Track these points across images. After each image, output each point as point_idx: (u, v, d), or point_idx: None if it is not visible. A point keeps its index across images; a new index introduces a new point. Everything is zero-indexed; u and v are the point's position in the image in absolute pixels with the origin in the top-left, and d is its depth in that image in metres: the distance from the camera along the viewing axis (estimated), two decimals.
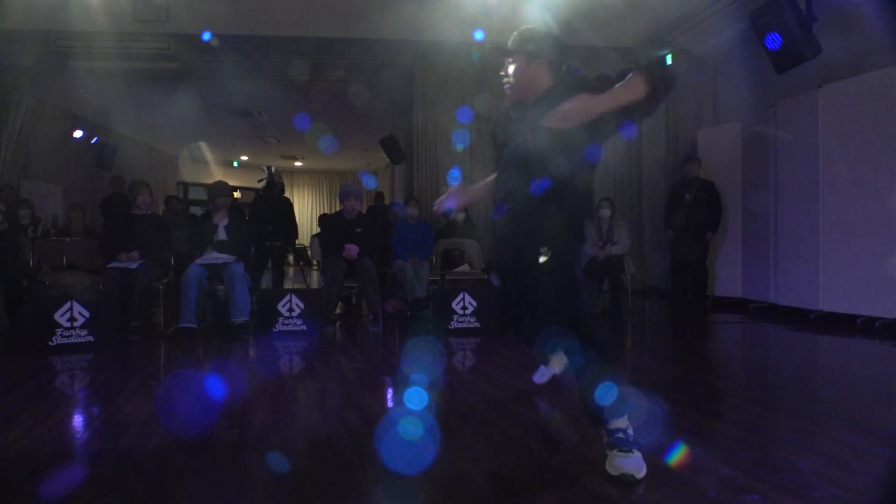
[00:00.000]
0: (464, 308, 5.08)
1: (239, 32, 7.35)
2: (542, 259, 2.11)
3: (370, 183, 7.17)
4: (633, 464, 1.87)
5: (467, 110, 7.18)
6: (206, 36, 7.06)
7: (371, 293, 5.43)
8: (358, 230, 5.60)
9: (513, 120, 2.28)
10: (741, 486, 1.78)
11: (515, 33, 2.27)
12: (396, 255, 6.13)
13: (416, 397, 2.79)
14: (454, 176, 7.67)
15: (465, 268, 6.42)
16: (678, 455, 2.03)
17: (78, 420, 2.70)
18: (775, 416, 2.68)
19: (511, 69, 2.23)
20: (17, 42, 7.13)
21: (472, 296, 5.09)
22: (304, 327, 4.98)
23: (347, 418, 2.58)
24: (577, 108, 1.94)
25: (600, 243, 6.25)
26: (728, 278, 6.81)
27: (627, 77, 1.97)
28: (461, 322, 5.05)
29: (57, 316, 4.32)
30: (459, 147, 7.75)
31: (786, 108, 5.86)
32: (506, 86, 2.28)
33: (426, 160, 8.13)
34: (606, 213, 6.31)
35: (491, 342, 4.62)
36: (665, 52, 2.04)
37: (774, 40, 4.76)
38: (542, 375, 3.02)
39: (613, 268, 6.14)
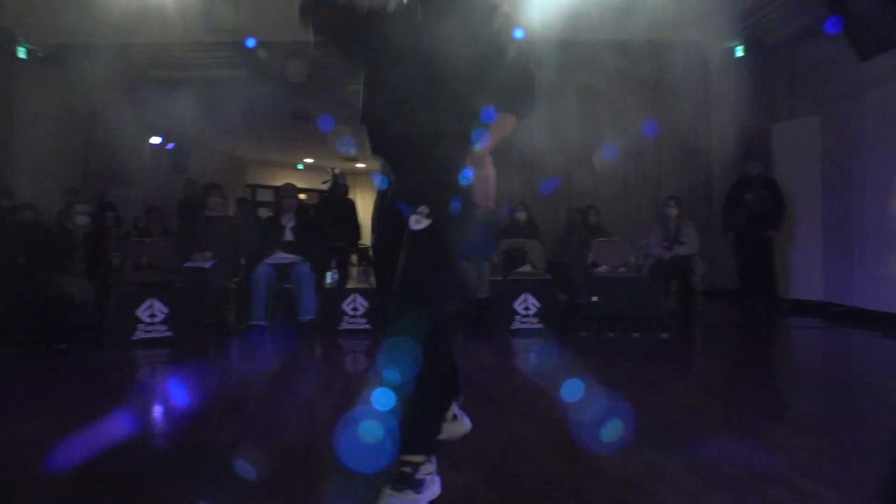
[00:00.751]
0: (526, 309, 5.04)
1: (301, 38, 7.55)
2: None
3: None
4: None
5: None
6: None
7: None
8: None
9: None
10: (824, 501, 1.68)
11: None
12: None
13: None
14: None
15: (527, 268, 6.37)
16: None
17: (158, 411, 2.84)
18: (861, 430, 2.52)
19: None
20: (99, 55, 7.58)
21: (534, 297, 5.05)
22: (367, 326, 5.06)
23: None
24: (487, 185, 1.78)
25: (666, 243, 6.06)
26: (806, 280, 6.46)
27: (496, 119, 1.75)
28: (524, 323, 5.01)
29: (139, 312, 4.57)
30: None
31: (874, 98, 5.47)
32: None
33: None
34: (673, 212, 6.11)
35: (554, 343, 4.56)
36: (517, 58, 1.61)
37: (855, 25, 4.48)
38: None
39: (681, 269, 5.94)
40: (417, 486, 1.63)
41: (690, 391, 3.07)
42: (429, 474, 1.67)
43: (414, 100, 1.74)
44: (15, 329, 4.59)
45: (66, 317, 4.72)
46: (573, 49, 6.75)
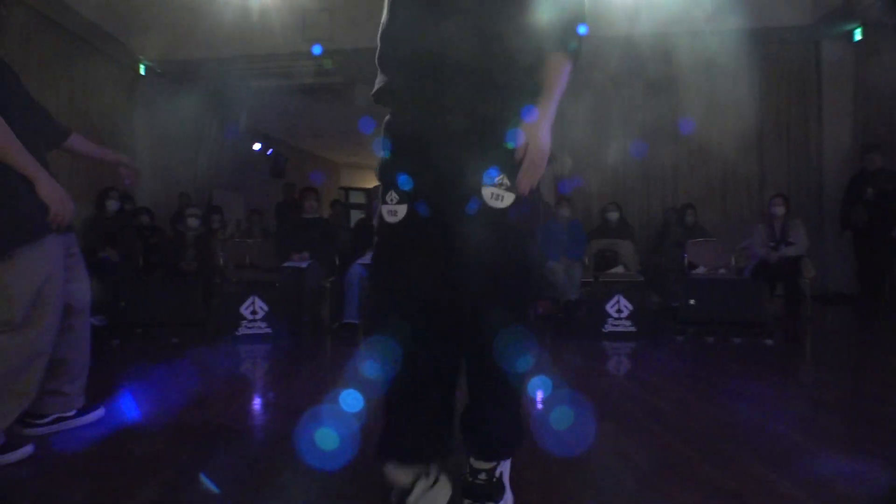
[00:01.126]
0: (618, 311, 4.89)
1: None
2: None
3: None
4: None
5: None
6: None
7: None
8: None
9: None
10: None
11: None
12: (547, 256, 6.06)
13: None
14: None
15: (619, 269, 6.19)
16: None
17: (257, 403, 2.99)
18: None
19: None
20: (208, 69, 8.13)
21: (627, 298, 4.89)
22: None
23: None
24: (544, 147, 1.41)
25: (772, 244, 5.67)
26: None
27: (549, 63, 1.47)
28: (615, 326, 4.86)
29: (241, 309, 4.85)
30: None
31: None
32: None
33: (576, 159, 7.95)
34: (780, 210, 5.72)
35: (648, 347, 4.40)
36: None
37: None
38: None
39: (788, 271, 5.54)
40: (503, 490, 1.58)
41: (800, 403, 2.86)
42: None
43: (500, 27, 1.34)
44: (135, 323, 5.00)
45: (177, 313, 5.08)
46: (671, 40, 6.48)
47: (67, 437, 2.27)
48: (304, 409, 2.71)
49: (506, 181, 1.37)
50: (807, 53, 7.46)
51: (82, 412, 2.38)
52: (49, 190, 1.96)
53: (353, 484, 1.84)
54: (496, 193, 1.36)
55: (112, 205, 5.88)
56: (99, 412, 2.46)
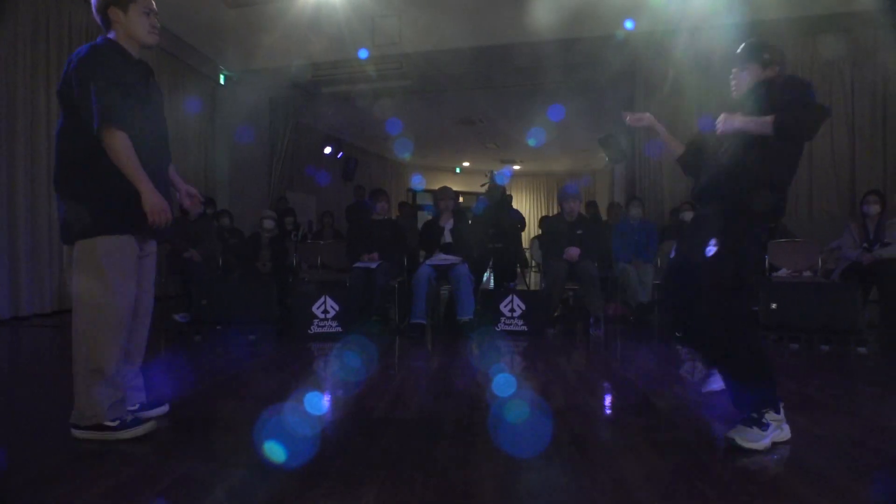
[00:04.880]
0: None
1: (460, 45, 7.76)
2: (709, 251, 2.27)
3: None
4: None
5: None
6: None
7: (593, 296, 5.31)
8: (578, 232, 5.51)
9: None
10: None
11: (748, 43, 2.47)
12: (619, 258, 5.91)
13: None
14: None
15: None
16: None
17: (328, 399, 3.07)
18: None
19: (744, 73, 2.44)
20: (282, 76, 8.43)
21: None
22: (524, 328, 5.05)
23: (571, 420, 2.55)
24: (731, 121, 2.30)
25: (865, 244, 5.30)
26: None
27: (765, 118, 2.20)
28: None
29: (314, 308, 4.98)
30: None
31: None
32: (733, 86, 2.48)
33: (648, 158, 7.73)
34: (875, 208, 5.33)
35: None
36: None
37: None
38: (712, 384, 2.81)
39: (884, 274, 5.15)
40: (763, 426, 2.19)
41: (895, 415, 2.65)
42: (774, 420, 2.22)
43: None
44: (215, 320, 5.24)
45: (254, 311, 5.28)
46: (753, 30, 6.19)
47: (167, 427, 2.40)
48: (374, 407, 2.76)
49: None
50: (869, 41, 6.92)
51: (146, 407, 2.51)
52: (151, 202, 2.27)
53: (418, 482, 1.85)
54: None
55: (196, 207, 6.18)
56: (163, 408, 2.59)
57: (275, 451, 2.13)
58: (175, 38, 7.45)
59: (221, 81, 8.78)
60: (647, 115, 2.80)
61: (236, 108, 8.67)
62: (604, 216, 8.92)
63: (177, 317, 5.56)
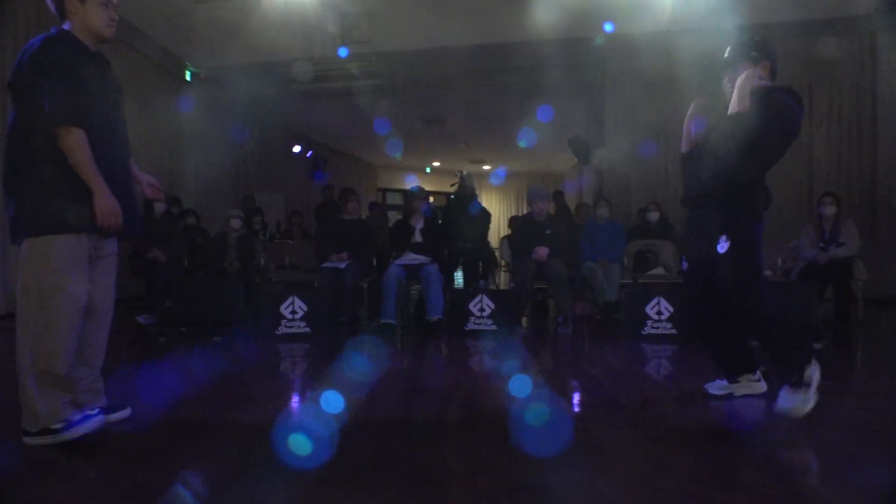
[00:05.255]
0: (658, 313, 4.79)
1: (431, 45, 7.76)
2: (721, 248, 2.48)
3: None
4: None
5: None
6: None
7: (561, 295, 5.38)
8: (547, 232, 5.57)
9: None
10: None
11: (734, 45, 2.61)
12: (586, 257, 5.99)
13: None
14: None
15: (659, 270, 6.06)
16: None
17: (296, 400, 3.04)
18: None
19: (735, 76, 2.55)
20: (249, 74, 8.32)
21: (667, 300, 4.79)
22: (493, 327, 5.08)
23: (537, 417, 2.58)
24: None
25: (821, 244, 5.48)
26: None
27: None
28: (655, 328, 4.77)
29: (282, 309, 4.93)
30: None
31: None
32: (728, 91, 2.60)
33: (615, 159, 7.84)
34: (830, 210, 5.51)
35: (689, 350, 4.29)
36: None
37: None
38: (718, 389, 2.87)
39: (839, 273, 5.34)
40: (807, 387, 2.38)
41: (854, 410, 2.75)
42: (812, 373, 2.39)
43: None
44: (180, 321, 5.15)
45: (220, 312, 5.20)
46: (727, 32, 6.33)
47: (127, 431, 2.35)
48: (340, 407, 2.75)
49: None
50: (861, 45, 7.17)
51: (106, 412, 2.43)
52: (101, 204, 2.21)
53: (388, 484, 1.85)
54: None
55: (160, 207, 6.05)
56: (125, 412, 2.49)
57: (241, 455, 2.10)
58: (138, 33, 7.28)
59: (188, 78, 8.62)
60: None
61: (203, 106, 8.52)
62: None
63: (140, 318, 5.44)
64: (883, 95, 7.05)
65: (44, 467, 2.01)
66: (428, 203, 6.36)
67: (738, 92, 2.46)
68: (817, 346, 4.41)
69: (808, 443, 2.29)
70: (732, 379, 2.83)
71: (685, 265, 2.84)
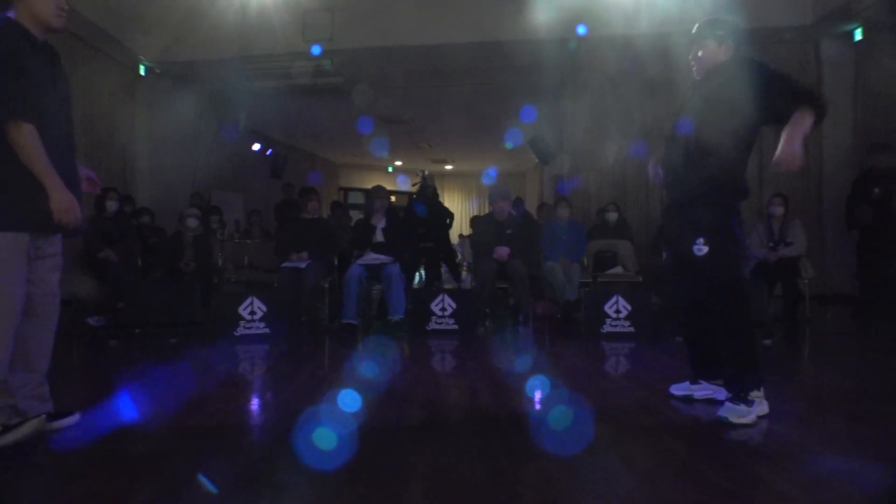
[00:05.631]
0: (617, 311, 4.89)
1: (392, 44, 7.73)
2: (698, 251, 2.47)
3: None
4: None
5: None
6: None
7: (522, 294, 5.43)
8: (508, 232, 5.62)
9: (690, 95, 2.66)
10: None
11: (704, 21, 2.62)
12: (547, 257, 6.06)
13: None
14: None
15: (618, 270, 6.18)
16: None
17: (255, 404, 2.99)
18: None
19: (700, 52, 2.61)
20: (208, 70, 8.13)
21: (625, 299, 4.89)
22: (455, 326, 5.10)
23: (499, 417, 2.59)
24: (795, 153, 2.29)
25: (771, 244, 5.68)
26: None
27: (794, 116, 2.32)
28: (614, 326, 4.87)
29: (240, 310, 4.84)
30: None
31: None
32: (693, 67, 2.66)
33: (575, 160, 7.96)
34: (778, 210, 5.72)
35: (647, 348, 4.40)
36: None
37: None
38: (680, 390, 2.85)
39: (787, 271, 5.55)
40: (749, 403, 2.40)
41: (801, 403, 2.85)
42: (757, 398, 2.43)
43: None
44: (133, 324, 5.00)
45: (176, 313, 5.08)
46: (669, 40, 6.48)
47: (61, 439, 2.27)
48: (300, 409, 2.72)
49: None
50: (806, 53, 7.45)
51: (53, 418, 2.33)
52: (59, 200, 2.14)
53: (350, 483, 1.84)
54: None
55: (112, 205, 5.87)
56: (73, 418, 2.38)
57: (195, 459, 2.06)
58: (89, 24, 7.02)
59: (142, 72, 8.36)
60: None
61: (157, 102, 8.28)
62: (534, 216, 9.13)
63: (90, 320, 5.26)
64: (828, 101, 7.33)
65: None
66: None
67: (791, 142, 2.30)
68: (767, 342, 4.56)
69: (756, 435, 2.37)
70: (693, 380, 2.81)
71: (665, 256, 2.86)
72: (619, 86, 7.36)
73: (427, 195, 6.99)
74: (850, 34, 7.08)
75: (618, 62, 7.17)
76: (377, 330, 5.25)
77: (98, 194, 2.43)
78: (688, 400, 2.79)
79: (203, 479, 1.84)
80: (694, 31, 2.63)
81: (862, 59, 7.06)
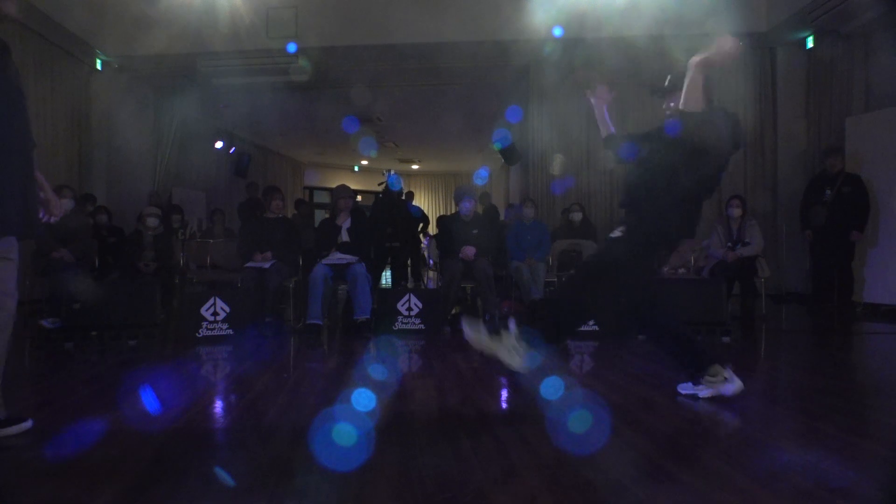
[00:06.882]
0: None
1: (357, 42, 7.68)
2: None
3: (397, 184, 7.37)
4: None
5: None
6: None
7: (488, 294, 5.45)
8: (474, 231, 5.64)
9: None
10: None
11: (675, 72, 2.82)
12: (512, 257, 6.10)
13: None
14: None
15: None
16: None
17: (219, 406, 2.93)
18: None
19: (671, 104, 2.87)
20: (168, 65, 7.94)
21: None
22: (421, 326, 5.09)
23: (465, 416, 2.60)
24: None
25: (729, 244, 5.84)
26: (883, 283, 6.11)
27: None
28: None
29: (202, 310, 4.75)
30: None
31: None
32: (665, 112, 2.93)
33: (542, 161, 8.03)
34: (736, 211, 5.89)
35: (612, 346, 4.47)
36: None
37: None
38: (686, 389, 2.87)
39: (744, 271, 5.71)
40: (703, 380, 2.70)
41: (757, 399, 2.94)
42: (718, 374, 2.68)
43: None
44: (90, 325, 4.84)
45: (135, 314, 4.94)
46: (631, 44, 6.60)
47: (12, 446, 2.19)
48: (265, 412, 2.68)
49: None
50: (763, 60, 7.69)
51: (3, 425, 2.25)
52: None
53: (317, 485, 1.82)
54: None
55: (66, 203, 5.66)
56: (24, 425, 2.29)
57: (153, 465, 2.01)
58: (44, 17, 6.78)
59: (98, 67, 8.11)
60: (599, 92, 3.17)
61: (116, 97, 8.05)
62: (501, 216, 9.19)
63: (44, 322, 5.07)
64: (783, 106, 7.60)
65: None
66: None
67: (690, 91, 2.58)
68: (726, 339, 4.68)
69: (714, 428, 2.43)
70: (696, 380, 2.78)
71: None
72: (584, 89, 7.45)
73: (392, 195, 6.97)
74: (803, 42, 7.34)
75: (586, 65, 7.28)
76: (343, 330, 5.21)
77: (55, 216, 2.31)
78: (693, 398, 2.78)
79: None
80: (666, 83, 2.90)
81: (813, 66, 7.32)
